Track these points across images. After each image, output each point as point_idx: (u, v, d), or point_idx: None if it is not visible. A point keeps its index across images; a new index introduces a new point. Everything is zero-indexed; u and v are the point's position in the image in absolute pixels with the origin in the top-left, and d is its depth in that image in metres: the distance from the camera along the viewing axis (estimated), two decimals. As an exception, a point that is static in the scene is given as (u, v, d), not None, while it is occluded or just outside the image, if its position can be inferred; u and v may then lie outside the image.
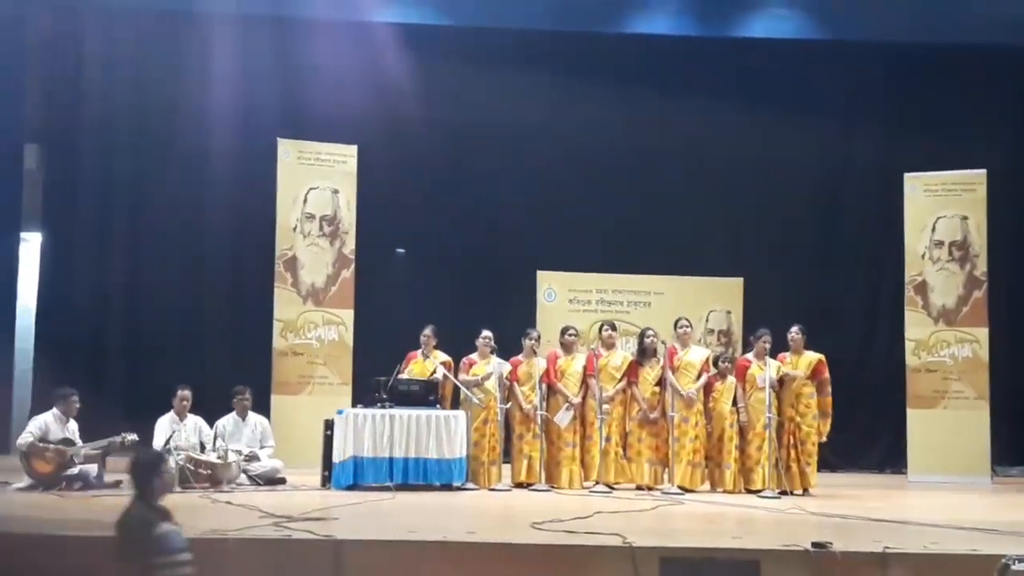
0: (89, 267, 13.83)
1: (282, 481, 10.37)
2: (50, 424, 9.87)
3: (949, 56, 14.34)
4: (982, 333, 12.91)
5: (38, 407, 10.37)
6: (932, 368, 12.95)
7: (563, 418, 10.69)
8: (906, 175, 13.25)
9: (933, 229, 13.10)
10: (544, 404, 10.69)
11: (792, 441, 10.69)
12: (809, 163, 14.67)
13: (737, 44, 14.51)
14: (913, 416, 12.95)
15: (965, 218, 13.07)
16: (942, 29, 14.00)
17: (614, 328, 11.29)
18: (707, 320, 13.51)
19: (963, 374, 12.87)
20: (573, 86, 14.51)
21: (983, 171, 13.11)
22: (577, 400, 10.75)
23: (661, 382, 10.80)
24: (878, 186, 14.42)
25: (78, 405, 10.09)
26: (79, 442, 9.87)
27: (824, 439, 10.87)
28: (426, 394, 10.45)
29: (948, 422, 12.75)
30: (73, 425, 10.04)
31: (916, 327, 13.07)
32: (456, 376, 10.87)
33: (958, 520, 8.41)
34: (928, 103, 14.42)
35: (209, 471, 9.90)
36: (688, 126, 14.58)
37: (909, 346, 13.06)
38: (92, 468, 9.71)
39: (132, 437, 9.83)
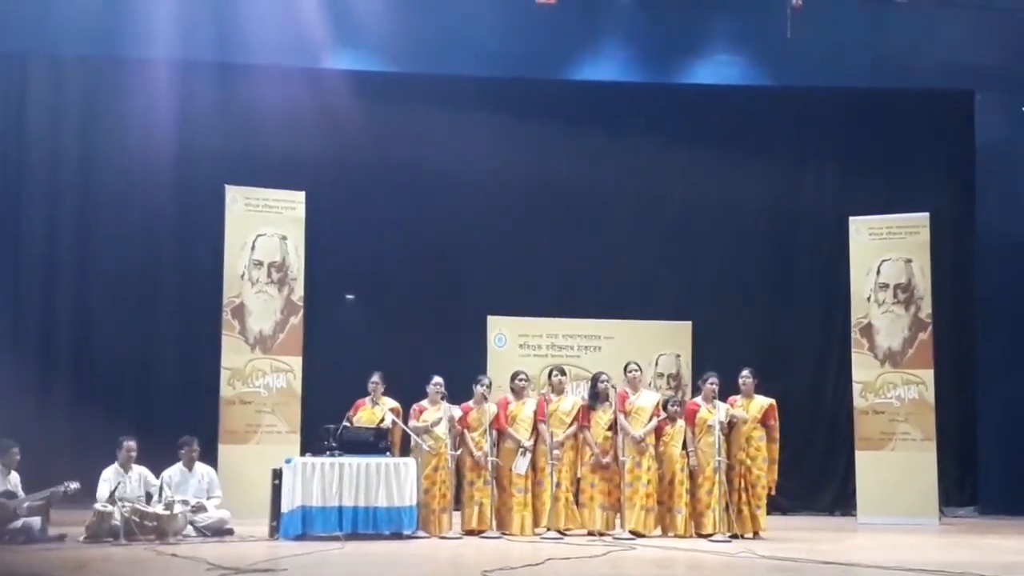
0: (33, 315, 13.62)
1: (230, 532, 10.22)
2: (-10, 477, 9.70)
3: (893, 101, 14.60)
4: (928, 375, 13.04)
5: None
6: (879, 410, 13.05)
7: (521, 465, 10.64)
8: (851, 218, 13.41)
9: (878, 272, 13.25)
10: (495, 450, 10.64)
11: (743, 484, 10.71)
12: (757, 207, 14.83)
13: (685, 90, 14.65)
14: (861, 458, 13.03)
15: (909, 261, 13.22)
16: (887, 74, 14.27)
17: (563, 373, 11.30)
18: (656, 364, 13.53)
19: (910, 416, 12.98)
20: (523, 132, 14.61)
21: (926, 214, 13.30)
22: (529, 443, 10.71)
23: (613, 426, 10.79)
24: (825, 229, 14.60)
25: (19, 457, 9.93)
26: (21, 494, 9.70)
27: (772, 491, 10.89)
28: (376, 442, 10.37)
29: (896, 464, 12.84)
30: (15, 477, 9.88)
31: (863, 369, 13.17)
32: (406, 423, 10.80)
33: (907, 562, 8.46)
34: (873, 147, 14.70)
35: (155, 523, 9.73)
36: (637, 171, 14.74)
37: (856, 388, 13.17)
38: (36, 521, 9.54)
39: (75, 486, 9.67)
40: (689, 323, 13.77)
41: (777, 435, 10.92)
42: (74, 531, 9.72)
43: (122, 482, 10.02)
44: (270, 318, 12.62)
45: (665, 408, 10.96)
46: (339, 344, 13.55)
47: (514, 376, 11.17)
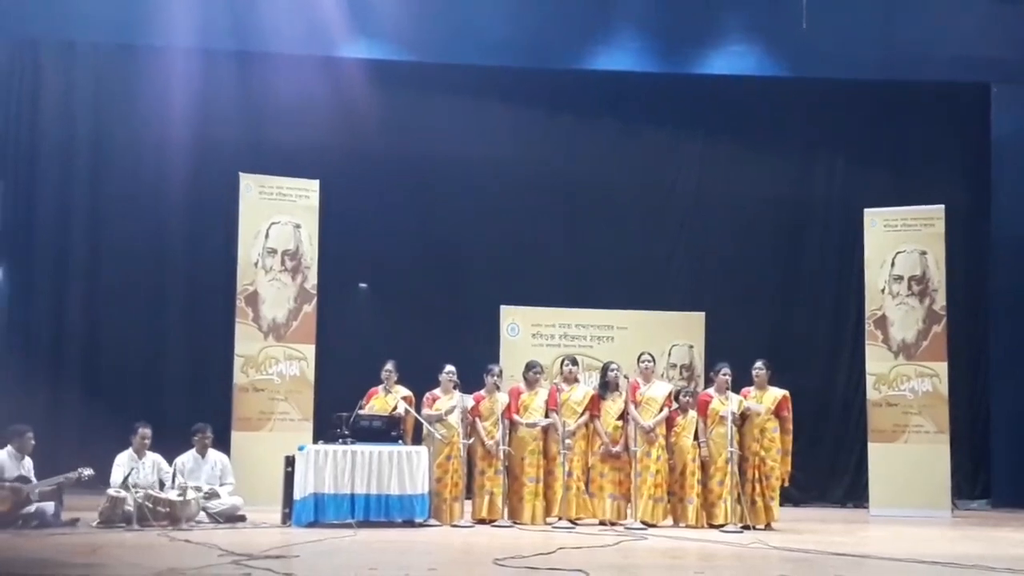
0: (47, 302, 13.69)
1: (242, 518, 10.26)
2: (4, 462, 9.74)
3: (909, 92, 14.57)
4: (941, 367, 12.99)
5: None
6: (893, 402, 13.02)
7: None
8: (866, 210, 13.35)
9: (892, 264, 13.20)
10: (506, 439, 10.64)
11: (757, 475, 10.69)
12: (771, 198, 14.79)
13: (698, 81, 14.64)
14: (874, 450, 13.00)
15: (924, 253, 13.17)
16: (902, 66, 14.21)
17: (575, 363, 11.27)
18: (669, 354, 13.51)
19: (923, 408, 12.93)
20: (536, 122, 14.63)
21: (941, 206, 13.24)
22: (546, 421, 10.71)
23: (624, 416, 10.78)
24: (839, 221, 14.57)
25: (33, 442, 9.97)
26: (35, 479, 9.74)
27: (786, 482, 10.88)
28: (388, 430, 10.38)
29: (909, 456, 12.81)
30: (28, 462, 9.91)
31: (876, 361, 13.13)
32: (418, 411, 10.81)
33: (919, 554, 8.44)
34: (888, 139, 14.68)
35: (168, 509, 9.78)
36: (650, 161, 14.75)
37: (870, 380, 13.13)
38: (49, 506, 9.57)
39: (88, 472, 9.71)
40: (702, 314, 13.74)
41: (791, 426, 10.91)
42: (87, 516, 9.76)
43: (136, 468, 10.07)
44: (283, 306, 12.62)
45: (677, 399, 10.95)
46: (352, 332, 13.57)
47: (529, 367, 11.16)
